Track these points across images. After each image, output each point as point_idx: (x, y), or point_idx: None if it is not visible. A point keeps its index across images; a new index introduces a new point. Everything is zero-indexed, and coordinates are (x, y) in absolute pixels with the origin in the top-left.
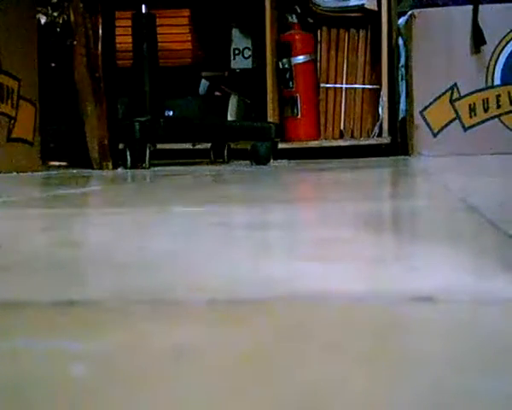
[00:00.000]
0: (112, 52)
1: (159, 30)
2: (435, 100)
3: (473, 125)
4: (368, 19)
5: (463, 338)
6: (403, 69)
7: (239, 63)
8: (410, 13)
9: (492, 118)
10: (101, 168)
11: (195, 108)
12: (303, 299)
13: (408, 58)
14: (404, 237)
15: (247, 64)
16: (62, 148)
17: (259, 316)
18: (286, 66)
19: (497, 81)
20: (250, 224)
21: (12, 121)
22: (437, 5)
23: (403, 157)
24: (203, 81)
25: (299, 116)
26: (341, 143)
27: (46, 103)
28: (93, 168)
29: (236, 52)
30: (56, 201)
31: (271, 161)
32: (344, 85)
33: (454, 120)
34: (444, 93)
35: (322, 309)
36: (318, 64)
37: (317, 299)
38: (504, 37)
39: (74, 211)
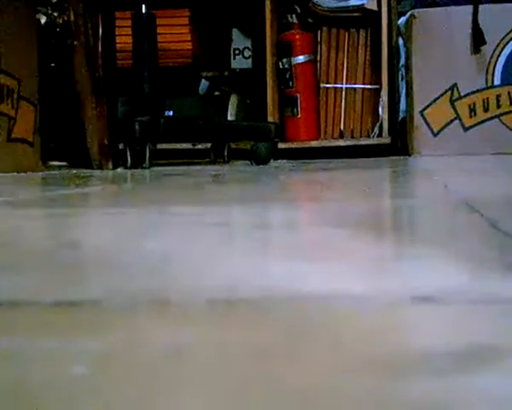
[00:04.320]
0: (112, 52)
1: (159, 30)
2: (435, 100)
3: (473, 125)
4: (368, 19)
5: (463, 338)
6: (403, 69)
7: (239, 63)
8: (410, 13)
9: (492, 118)
10: (101, 168)
11: (195, 108)
12: (303, 299)
13: (408, 58)
14: (404, 237)
15: (247, 64)
16: (62, 148)
17: (259, 316)
18: (286, 66)
19: (497, 81)
20: (250, 224)
21: (12, 121)
22: (437, 5)
23: (403, 157)
24: (203, 81)
25: (299, 116)
26: (341, 143)
27: (46, 103)
28: (93, 168)
29: (236, 52)
30: (56, 201)
31: (271, 160)
32: (344, 85)
33: (454, 120)
34: (444, 93)
35: (322, 309)
36: (318, 64)
37: (317, 299)
38: (504, 37)
39: (74, 211)
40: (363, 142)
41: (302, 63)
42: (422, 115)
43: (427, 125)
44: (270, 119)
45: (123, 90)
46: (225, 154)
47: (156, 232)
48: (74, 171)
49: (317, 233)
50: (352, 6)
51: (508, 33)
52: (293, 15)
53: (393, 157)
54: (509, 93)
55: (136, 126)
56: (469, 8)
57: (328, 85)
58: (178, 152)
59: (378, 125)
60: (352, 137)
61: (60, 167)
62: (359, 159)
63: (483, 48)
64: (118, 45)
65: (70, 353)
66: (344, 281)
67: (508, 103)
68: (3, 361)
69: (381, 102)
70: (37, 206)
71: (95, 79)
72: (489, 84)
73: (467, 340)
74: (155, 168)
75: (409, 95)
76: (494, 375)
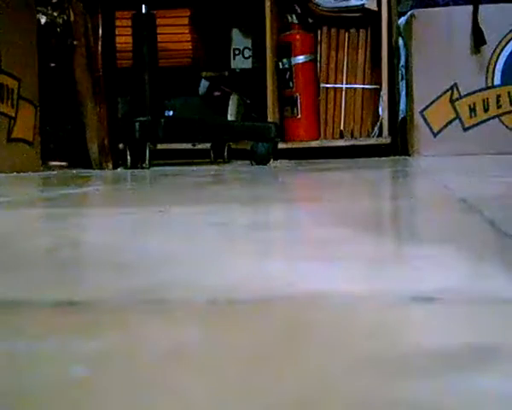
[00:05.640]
0: (112, 52)
1: (159, 30)
2: (435, 100)
3: (473, 125)
4: (368, 19)
5: (463, 338)
6: (403, 69)
7: (239, 63)
8: (410, 13)
9: (492, 118)
10: (101, 168)
11: (195, 108)
12: (303, 299)
13: (408, 58)
14: (404, 237)
15: (247, 64)
16: (62, 148)
17: (259, 316)
18: (286, 66)
19: (497, 81)
20: (250, 224)
21: (12, 121)
22: (437, 5)
23: (403, 157)
24: (203, 81)
25: (299, 116)
26: (341, 143)
27: (46, 103)
28: (93, 168)
29: (236, 52)
30: (56, 201)
31: (271, 160)
32: (344, 85)
33: (454, 120)
34: (444, 93)
35: (321, 309)
36: (318, 64)
37: (317, 299)
38: (504, 37)
39: (74, 211)
40: (363, 142)
41: (302, 63)
42: (422, 115)
43: (427, 125)
44: (270, 119)
45: (123, 90)
46: (225, 154)
47: (156, 232)
48: (74, 171)
49: (316, 233)
50: (352, 6)
51: (508, 33)
52: (293, 15)
53: (393, 157)
54: (509, 93)
55: (136, 126)
56: (469, 8)
57: (328, 85)
58: (178, 152)
59: (378, 125)
60: (352, 137)
61: (60, 167)
62: (359, 159)
63: (483, 48)
64: (118, 45)
65: (70, 353)
66: (343, 281)
67: (508, 103)
68: (3, 362)
69: (381, 102)
70: (36, 206)
71: (95, 79)
72: (489, 84)
73: (467, 340)
74: (155, 168)
75: (409, 95)
76: (494, 375)
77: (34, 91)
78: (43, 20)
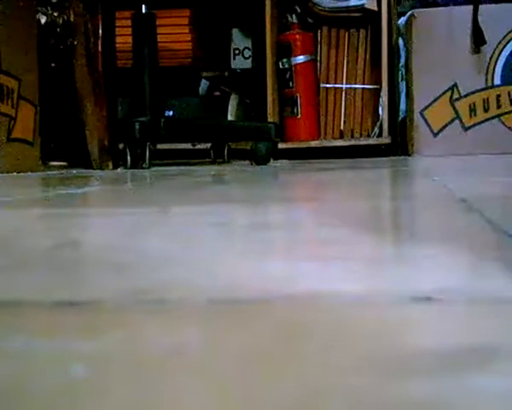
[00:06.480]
0: (112, 52)
1: (159, 30)
2: (435, 100)
3: (473, 125)
4: (368, 19)
5: (463, 338)
6: (403, 69)
7: (239, 63)
8: (410, 13)
9: (492, 118)
10: (101, 168)
11: (195, 108)
12: (303, 299)
13: (408, 58)
14: (404, 237)
15: (247, 64)
16: (62, 148)
17: (259, 316)
18: (286, 66)
19: (497, 81)
20: (250, 224)
21: (12, 121)
22: (437, 5)
23: (403, 157)
24: (203, 81)
25: (299, 116)
26: (341, 143)
27: (46, 103)
28: (93, 168)
29: (236, 52)
30: (56, 201)
31: (271, 160)
32: (344, 85)
33: (454, 120)
34: (444, 93)
35: (321, 309)
36: (318, 64)
37: (317, 299)
38: (504, 37)
39: (74, 211)
40: (363, 142)
41: (302, 63)
42: (422, 115)
43: (427, 125)
44: (270, 119)
45: (123, 90)
46: (225, 154)
47: (156, 232)
48: (74, 171)
49: (316, 233)
50: (352, 6)
51: (508, 33)
52: (293, 15)
53: (393, 157)
54: (509, 93)
55: (136, 126)
56: (469, 8)
57: (328, 85)
58: (178, 152)
59: (378, 125)
60: (352, 137)
61: (60, 167)
62: (359, 159)
63: (483, 48)
64: (118, 45)
65: (70, 353)
66: (343, 281)
67: (508, 103)
68: (3, 361)
69: (381, 102)
70: (37, 206)
71: (95, 79)
72: (489, 84)
73: (466, 340)
74: (155, 168)
75: (409, 95)
76: (494, 375)
77: (34, 91)
78: (43, 20)
